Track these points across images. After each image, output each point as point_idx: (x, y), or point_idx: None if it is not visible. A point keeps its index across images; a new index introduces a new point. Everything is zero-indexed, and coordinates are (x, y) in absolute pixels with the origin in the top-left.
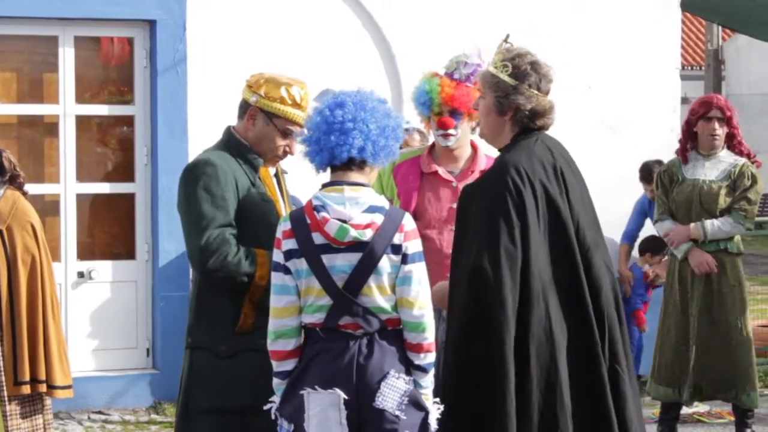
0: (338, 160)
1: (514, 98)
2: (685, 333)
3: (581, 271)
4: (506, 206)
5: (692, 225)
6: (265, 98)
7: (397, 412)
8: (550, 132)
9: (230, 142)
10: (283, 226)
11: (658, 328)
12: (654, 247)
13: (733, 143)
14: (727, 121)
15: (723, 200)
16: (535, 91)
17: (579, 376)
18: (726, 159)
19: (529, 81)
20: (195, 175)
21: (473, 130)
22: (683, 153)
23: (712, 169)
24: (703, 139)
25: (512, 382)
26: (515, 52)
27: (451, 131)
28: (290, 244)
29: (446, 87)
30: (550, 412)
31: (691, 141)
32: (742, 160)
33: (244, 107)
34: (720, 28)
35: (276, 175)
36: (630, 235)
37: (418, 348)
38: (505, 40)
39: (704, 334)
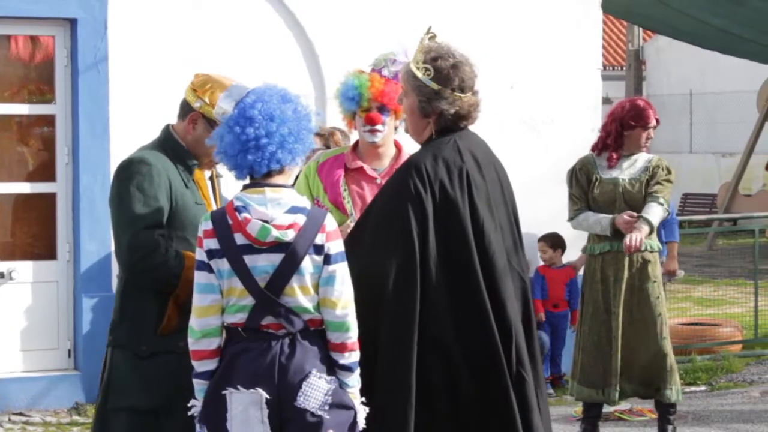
0: (258, 174)
1: (437, 104)
2: (608, 332)
3: (479, 276)
4: (406, 210)
5: (643, 227)
6: (209, 105)
7: (320, 412)
8: (471, 129)
9: (168, 142)
10: (205, 225)
11: (576, 329)
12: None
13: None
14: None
15: (645, 194)
16: (459, 94)
17: (482, 383)
18: (641, 157)
19: (452, 85)
20: (129, 173)
21: (396, 129)
22: (613, 156)
23: (630, 168)
24: (635, 144)
25: (413, 387)
26: (436, 53)
27: (378, 127)
28: (211, 243)
29: (376, 83)
30: (449, 408)
31: (618, 142)
32: (656, 156)
33: (186, 109)
34: (641, 29)
35: (210, 179)
36: None
37: (342, 347)
38: (427, 33)
39: (627, 332)
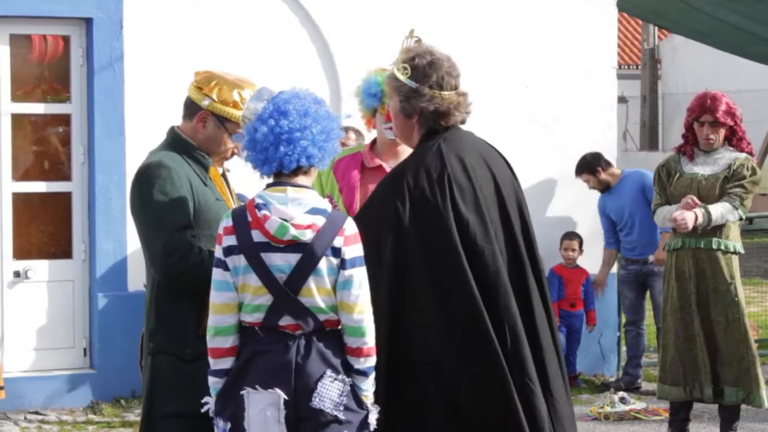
0: (287, 170)
1: (416, 102)
2: (686, 329)
3: (471, 281)
4: (381, 226)
5: (698, 211)
6: (218, 102)
7: (335, 412)
8: (487, 129)
9: (177, 143)
10: (225, 222)
11: (661, 327)
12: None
13: (733, 140)
14: (721, 124)
15: (720, 191)
16: (437, 92)
17: (481, 390)
18: (726, 154)
19: (430, 82)
20: (149, 178)
21: None
22: (688, 150)
23: (712, 165)
24: (699, 139)
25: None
26: (414, 52)
27: None
28: (230, 240)
29: None
30: (446, 420)
31: (692, 137)
32: (743, 155)
33: (193, 109)
34: (656, 27)
35: (223, 175)
36: (608, 240)
37: (358, 352)
38: (410, 36)
39: (707, 331)
